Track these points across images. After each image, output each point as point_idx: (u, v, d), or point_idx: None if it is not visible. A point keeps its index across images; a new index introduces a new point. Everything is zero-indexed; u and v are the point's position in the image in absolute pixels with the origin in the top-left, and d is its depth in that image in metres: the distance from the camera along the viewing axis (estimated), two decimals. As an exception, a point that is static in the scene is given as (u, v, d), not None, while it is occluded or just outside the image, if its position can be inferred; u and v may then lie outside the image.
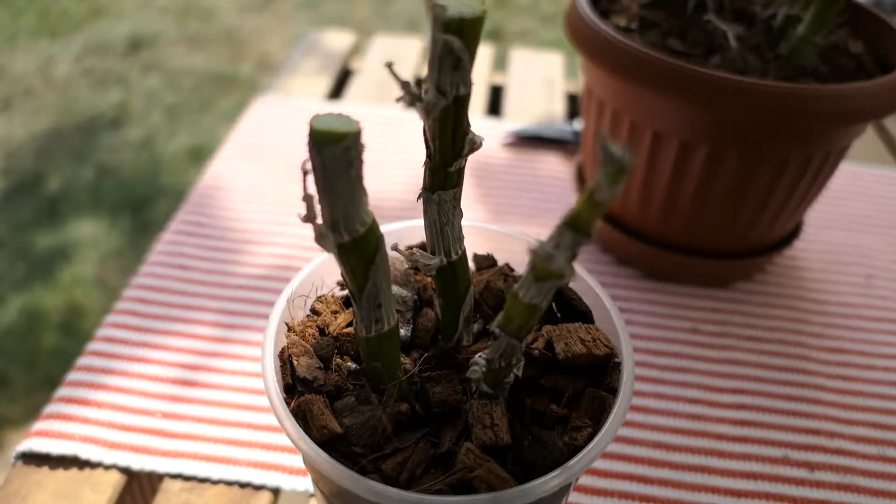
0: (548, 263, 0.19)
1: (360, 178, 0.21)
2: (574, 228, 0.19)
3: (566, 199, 0.60)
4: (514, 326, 0.23)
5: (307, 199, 0.22)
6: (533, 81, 0.79)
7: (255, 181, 0.60)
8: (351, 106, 0.71)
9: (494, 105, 0.78)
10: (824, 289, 0.53)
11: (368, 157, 0.21)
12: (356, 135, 0.21)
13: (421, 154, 0.70)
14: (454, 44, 0.20)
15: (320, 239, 0.22)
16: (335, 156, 0.20)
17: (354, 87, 0.76)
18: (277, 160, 0.63)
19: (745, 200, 0.46)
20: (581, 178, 0.56)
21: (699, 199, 0.46)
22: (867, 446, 0.42)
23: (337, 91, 0.77)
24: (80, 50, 2.14)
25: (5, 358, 1.25)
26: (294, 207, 0.57)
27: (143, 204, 1.59)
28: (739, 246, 0.50)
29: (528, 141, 0.67)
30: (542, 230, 0.56)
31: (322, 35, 0.85)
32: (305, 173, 0.21)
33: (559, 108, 0.74)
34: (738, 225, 0.48)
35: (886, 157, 0.71)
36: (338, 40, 0.84)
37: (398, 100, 0.22)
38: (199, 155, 1.74)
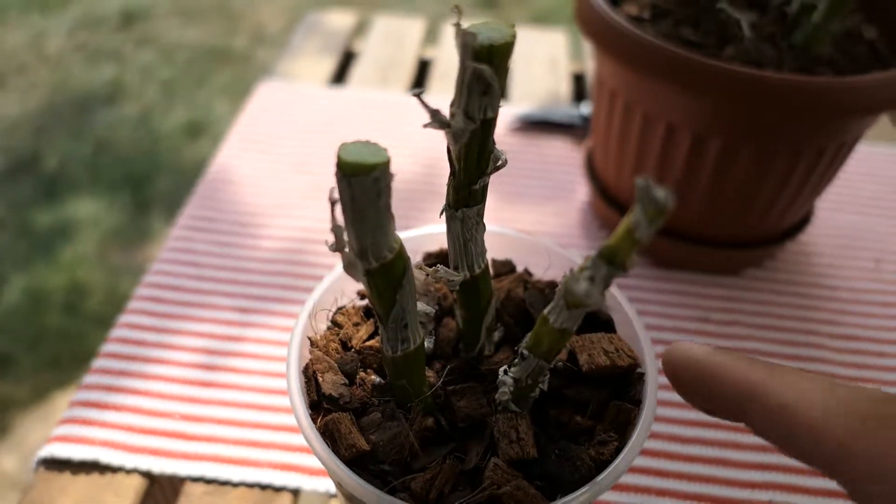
0: (584, 298, 0.19)
1: (388, 206, 0.21)
2: (610, 262, 0.19)
3: (575, 185, 0.60)
4: (544, 349, 0.23)
5: (336, 229, 0.21)
6: (537, 62, 0.78)
7: (262, 172, 0.59)
8: (355, 91, 0.71)
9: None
10: (834, 274, 0.53)
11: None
12: (385, 164, 0.20)
13: (427, 142, 0.69)
14: (485, 72, 0.20)
15: (349, 267, 0.22)
16: (364, 186, 0.20)
17: (358, 71, 0.75)
18: (284, 149, 0.62)
19: (758, 192, 0.45)
20: (591, 164, 0.56)
21: (712, 190, 0.46)
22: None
23: (340, 74, 0.76)
24: (72, 24, 2.11)
25: (10, 338, 1.25)
26: (303, 198, 0.57)
27: (142, 181, 1.58)
28: (751, 235, 0.50)
29: (535, 125, 0.66)
30: (550, 218, 0.56)
31: (323, 16, 0.83)
32: (333, 203, 0.21)
33: (564, 89, 0.73)
34: (750, 215, 0.47)
35: (894, 136, 0.70)
36: (339, 20, 0.83)
37: (426, 125, 0.22)
38: (197, 130, 1.73)
